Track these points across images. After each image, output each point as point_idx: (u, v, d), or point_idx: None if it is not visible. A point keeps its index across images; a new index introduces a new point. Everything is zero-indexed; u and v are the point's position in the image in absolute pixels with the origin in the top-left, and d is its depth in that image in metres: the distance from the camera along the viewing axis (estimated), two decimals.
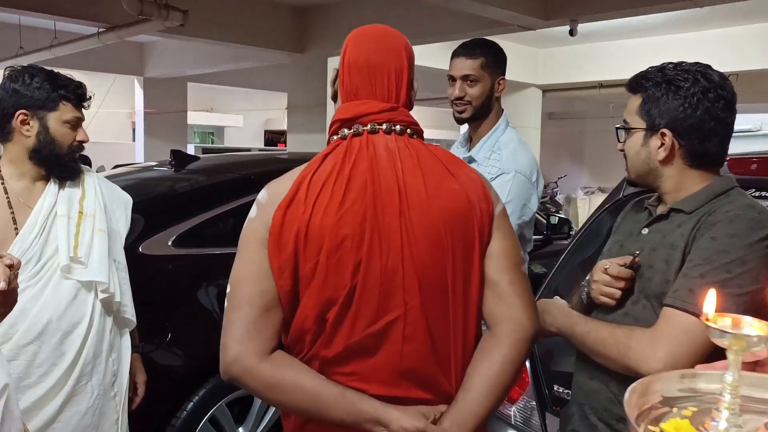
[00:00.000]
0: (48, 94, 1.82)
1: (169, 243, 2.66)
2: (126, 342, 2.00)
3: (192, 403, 2.53)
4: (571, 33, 5.60)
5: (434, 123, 21.67)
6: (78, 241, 1.85)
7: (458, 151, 2.50)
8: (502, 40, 9.14)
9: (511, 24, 5.73)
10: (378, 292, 1.21)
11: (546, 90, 10.63)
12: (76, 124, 1.88)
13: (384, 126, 1.29)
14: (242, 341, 1.21)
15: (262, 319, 1.22)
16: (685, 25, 8.01)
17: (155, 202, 2.92)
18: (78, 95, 1.87)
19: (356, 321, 1.21)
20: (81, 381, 1.85)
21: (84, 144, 1.92)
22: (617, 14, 5.38)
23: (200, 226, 2.76)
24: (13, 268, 1.23)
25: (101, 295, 1.88)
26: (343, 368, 1.24)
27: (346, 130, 1.30)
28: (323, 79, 7.70)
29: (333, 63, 7.72)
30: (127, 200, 2.09)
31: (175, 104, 11.28)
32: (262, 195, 1.28)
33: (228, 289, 1.26)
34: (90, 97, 1.91)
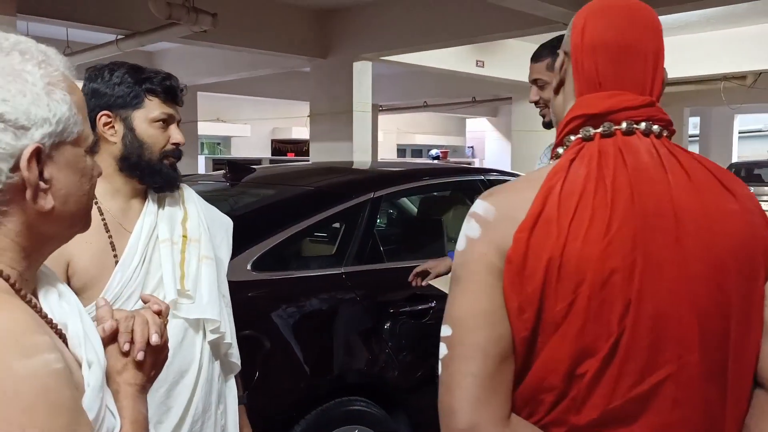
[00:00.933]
0: (130, 89, 1.50)
1: (248, 267, 2.34)
2: (232, 390, 1.69)
3: None
4: None
5: (442, 129, 21.49)
6: (184, 270, 1.54)
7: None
8: (520, 42, 8.84)
9: (558, 22, 5.46)
10: (648, 344, 0.93)
11: None
12: (168, 122, 1.56)
13: (642, 125, 1.00)
14: (478, 404, 0.93)
15: (498, 374, 0.94)
16: (719, 23, 7.77)
17: None
18: (166, 88, 1.54)
19: (620, 380, 0.93)
20: None
21: (181, 147, 1.61)
22: (677, 9, 5.12)
23: (281, 246, 2.44)
24: (162, 315, 0.93)
25: (210, 336, 1.57)
26: None
27: (591, 129, 1.01)
28: (348, 84, 7.42)
29: (358, 68, 7.46)
30: (228, 223, 1.78)
31: (186, 115, 10.95)
32: (485, 209, 1.00)
33: (448, 332, 0.97)
34: (183, 90, 1.59)
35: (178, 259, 1.54)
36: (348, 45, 7.33)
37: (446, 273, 2.41)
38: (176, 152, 1.60)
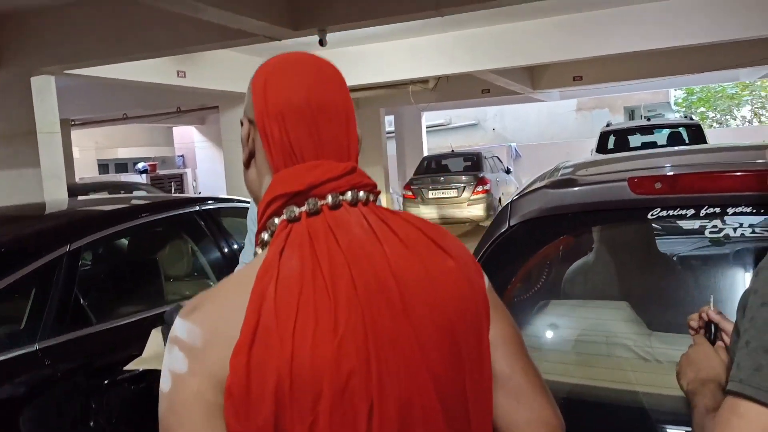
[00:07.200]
0: None
1: None
2: None
3: None
4: (321, 43, 5.44)
5: (148, 140, 20.20)
6: None
7: None
8: (223, 51, 8.67)
9: (258, 35, 5.37)
10: None
11: None
12: None
13: (348, 196, 0.90)
14: None
15: None
16: (402, 34, 8.48)
17: None
18: None
19: None
20: None
21: None
22: (367, 23, 5.37)
23: None
24: None
25: None
26: None
27: (296, 208, 0.88)
28: (27, 102, 6.43)
29: (38, 83, 6.50)
30: None
31: None
32: (189, 332, 0.81)
33: None
34: None
35: None
36: (23, 57, 6.32)
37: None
38: None
